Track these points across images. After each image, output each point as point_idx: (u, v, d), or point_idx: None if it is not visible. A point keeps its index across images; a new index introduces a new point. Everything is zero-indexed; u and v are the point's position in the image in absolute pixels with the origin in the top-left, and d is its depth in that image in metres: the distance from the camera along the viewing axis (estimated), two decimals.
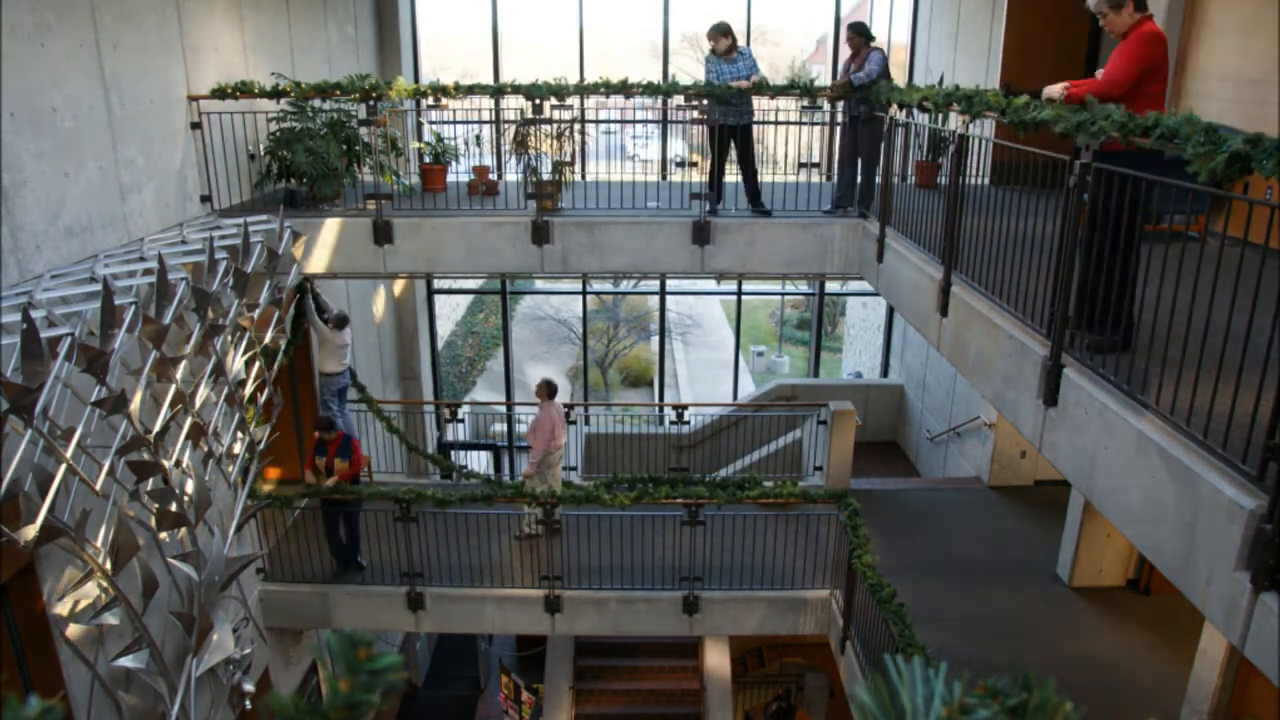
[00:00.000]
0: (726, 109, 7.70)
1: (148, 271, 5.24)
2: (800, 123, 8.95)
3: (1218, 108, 6.25)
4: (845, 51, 7.92)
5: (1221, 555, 2.89)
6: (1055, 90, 4.41)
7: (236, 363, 6.02)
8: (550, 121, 7.90)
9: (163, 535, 5.51)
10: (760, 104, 8.14)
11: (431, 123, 9.24)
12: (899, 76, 12.28)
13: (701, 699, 9.89)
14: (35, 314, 4.33)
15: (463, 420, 13.62)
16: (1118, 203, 3.67)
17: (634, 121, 12.03)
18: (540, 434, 8.38)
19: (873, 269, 7.25)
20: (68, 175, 5.60)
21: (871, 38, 7.64)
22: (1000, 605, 7.78)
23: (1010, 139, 4.81)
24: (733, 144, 7.92)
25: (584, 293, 14.46)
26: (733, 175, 8.25)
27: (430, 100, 7.82)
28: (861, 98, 7.44)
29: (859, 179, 7.76)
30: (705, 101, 7.73)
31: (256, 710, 6.72)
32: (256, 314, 6.14)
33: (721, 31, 7.73)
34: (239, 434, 6.26)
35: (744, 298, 14.26)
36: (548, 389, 8.53)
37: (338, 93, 7.66)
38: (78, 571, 5.06)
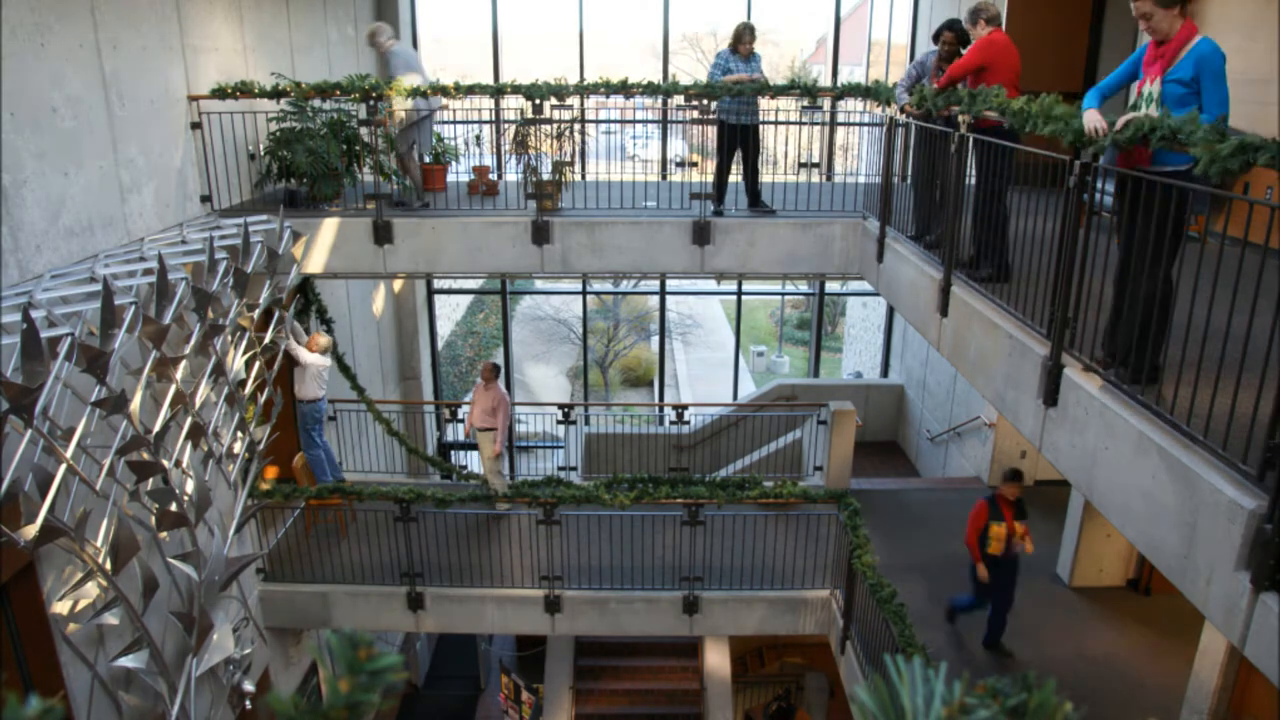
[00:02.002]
0: (743, 108, 7.74)
1: (148, 271, 5.24)
2: (805, 122, 8.95)
3: None
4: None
5: (1221, 555, 2.89)
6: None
7: (236, 363, 6.03)
8: (550, 121, 7.89)
9: (163, 535, 5.52)
10: (761, 103, 8.15)
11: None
12: (899, 76, 12.29)
13: (701, 699, 9.89)
14: (35, 314, 4.33)
15: (462, 420, 13.62)
16: (994, 166, 5.04)
17: (634, 121, 12.03)
18: (504, 412, 8.60)
19: (873, 269, 7.25)
20: (68, 175, 5.60)
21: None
22: None
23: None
24: (740, 144, 7.94)
25: (584, 293, 14.46)
26: (732, 175, 8.25)
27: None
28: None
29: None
30: (714, 102, 7.73)
31: (256, 710, 6.72)
32: (256, 314, 6.15)
33: (753, 35, 7.80)
34: (239, 434, 6.26)
35: (744, 298, 14.26)
36: (495, 370, 8.77)
37: (338, 93, 7.65)
38: (78, 571, 5.06)
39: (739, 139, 7.87)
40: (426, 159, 8.58)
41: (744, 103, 7.71)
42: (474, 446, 14.32)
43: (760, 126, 8.07)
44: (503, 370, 9.22)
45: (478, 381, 8.80)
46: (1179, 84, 3.69)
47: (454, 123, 9.57)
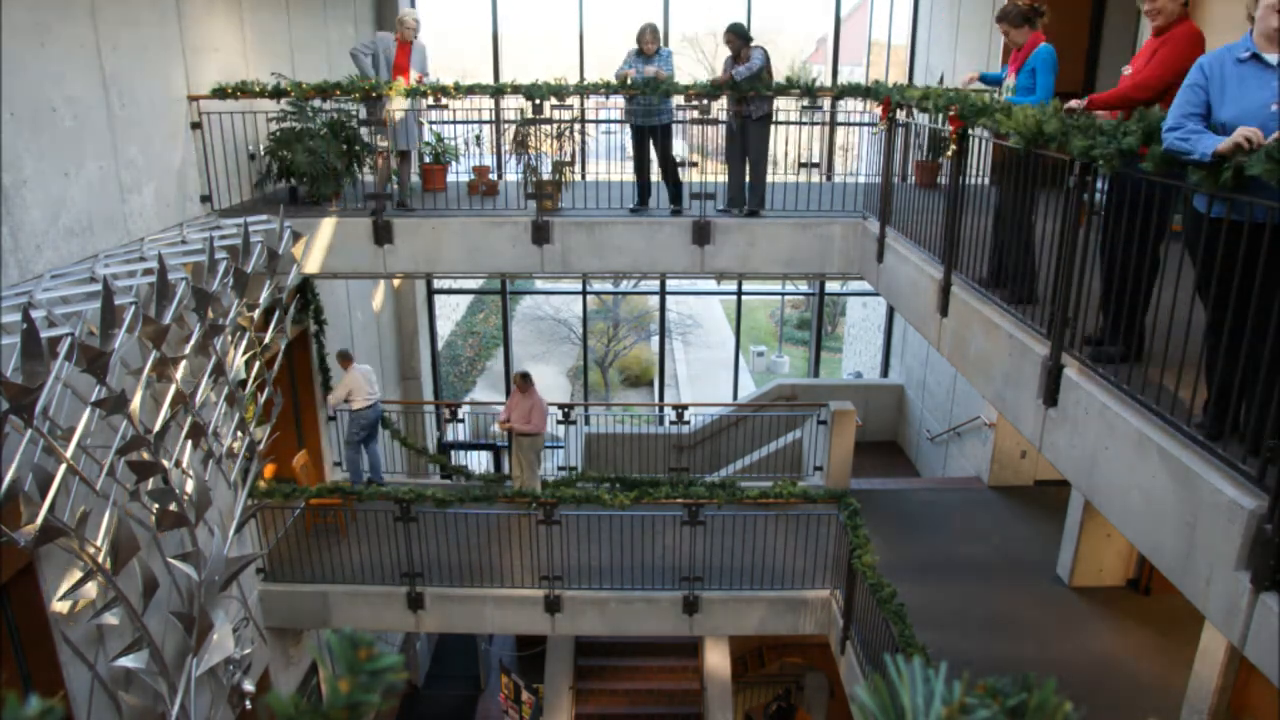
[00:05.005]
0: (648, 109, 7.77)
1: (148, 271, 5.24)
2: (805, 122, 8.94)
3: None
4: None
5: (1221, 555, 2.89)
6: (1075, 103, 4.31)
7: (236, 363, 6.03)
8: (550, 121, 7.89)
9: (162, 535, 5.52)
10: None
11: (431, 123, 9.24)
12: (899, 76, 12.29)
13: (701, 699, 9.89)
14: (35, 314, 4.33)
15: (463, 420, 13.62)
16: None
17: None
18: (540, 413, 8.95)
19: (873, 269, 7.25)
20: (68, 175, 5.60)
21: (749, 39, 7.67)
22: (1000, 605, 7.78)
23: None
24: (653, 143, 7.96)
25: (584, 293, 14.46)
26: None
27: (430, 100, 7.82)
28: (753, 96, 7.57)
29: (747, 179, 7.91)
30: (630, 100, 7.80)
31: (256, 710, 6.72)
32: (256, 314, 6.15)
33: (653, 33, 7.83)
34: (239, 434, 6.27)
35: (744, 298, 14.26)
36: (526, 378, 9.19)
37: (338, 93, 7.65)
38: (78, 571, 5.07)
39: (648, 139, 7.88)
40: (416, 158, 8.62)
41: (647, 103, 7.74)
42: (477, 447, 14.40)
43: (670, 126, 8.07)
44: (504, 376, 9.60)
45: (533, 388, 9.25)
46: (1028, 75, 5.19)
47: (454, 123, 9.57)
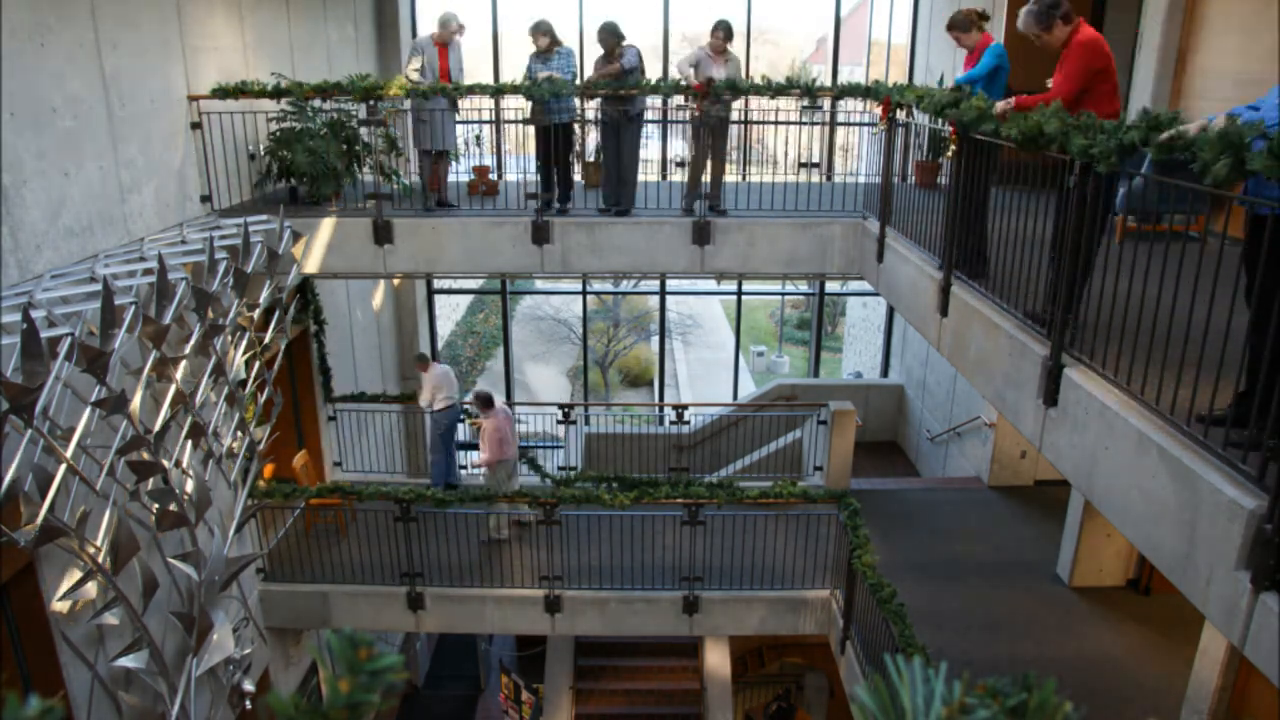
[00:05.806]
0: (559, 108, 7.77)
1: (148, 271, 5.24)
2: (803, 122, 8.95)
3: (1217, 108, 6.23)
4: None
5: (1221, 555, 2.89)
6: (1000, 105, 4.74)
7: (236, 363, 6.03)
8: (550, 121, 7.89)
9: (162, 535, 5.52)
10: (761, 103, 8.17)
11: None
12: (899, 76, 12.29)
13: (701, 699, 9.89)
14: (35, 314, 4.33)
15: (463, 420, 13.60)
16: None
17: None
18: (491, 441, 8.53)
19: (873, 269, 7.25)
20: (68, 175, 5.60)
21: (623, 37, 7.75)
22: (1000, 605, 7.78)
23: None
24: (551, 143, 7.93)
25: (584, 293, 14.45)
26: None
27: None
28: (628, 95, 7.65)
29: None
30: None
31: (256, 710, 6.72)
32: (256, 314, 6.15)
33: (542, 30, 7.82)
34: (239, 434, 6.27)
35: (744, 298, 14.26)
36: (484, 400, 8.65)
37: (338, 93, 7.65)
38: (78, 571, 5.07)
39: (550, 137, 7.84)
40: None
41: (558, 102, 7.74)
42: (477, 447, 14.40)
43: (572, 125, 8.12)
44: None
45: (494, 410, 8.73)
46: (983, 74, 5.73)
47: (454, 122, 9.56)
